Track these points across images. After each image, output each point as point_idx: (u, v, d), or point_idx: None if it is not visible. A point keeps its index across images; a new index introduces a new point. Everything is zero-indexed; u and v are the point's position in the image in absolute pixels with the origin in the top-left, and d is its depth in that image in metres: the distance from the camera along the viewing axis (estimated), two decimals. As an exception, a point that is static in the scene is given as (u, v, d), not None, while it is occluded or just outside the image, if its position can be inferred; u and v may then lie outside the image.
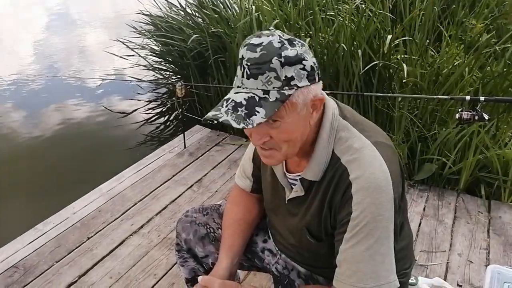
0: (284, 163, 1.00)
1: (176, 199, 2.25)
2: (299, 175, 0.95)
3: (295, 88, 0.78)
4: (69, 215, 2.09)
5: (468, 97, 1.98)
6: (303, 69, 0.79)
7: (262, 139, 0.83)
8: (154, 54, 3.87)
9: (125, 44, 3.78)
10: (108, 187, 2.33)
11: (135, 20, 3.90)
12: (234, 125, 0.75)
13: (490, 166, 2.30)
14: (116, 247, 1.89)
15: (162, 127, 3.75)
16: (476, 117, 1.89)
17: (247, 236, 1.15)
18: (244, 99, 0.77)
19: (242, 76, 0.79)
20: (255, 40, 0.78)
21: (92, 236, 1.95)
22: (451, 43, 3.24)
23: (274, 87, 0.77)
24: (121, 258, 1.83)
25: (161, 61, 3.94)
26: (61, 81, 4.66)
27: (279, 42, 0.77)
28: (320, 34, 2.76)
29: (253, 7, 2.90)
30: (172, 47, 3.54)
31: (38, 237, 1.93)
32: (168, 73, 4.00)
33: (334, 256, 0.91)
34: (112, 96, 4.30)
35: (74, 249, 1.87)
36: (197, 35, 3.14)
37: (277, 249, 1.17)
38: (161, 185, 2.36)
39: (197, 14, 3.62)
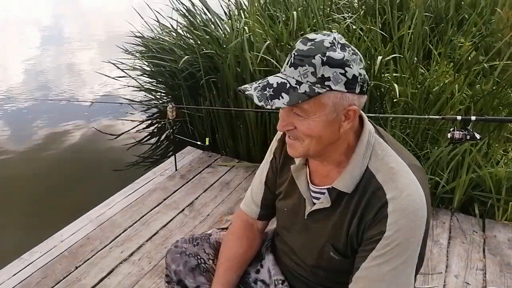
0: (308, 174, 0.99)
1: (167, 224, 2.20)
2: (327, 187, 0.93)
3: (327, 88, 0.80)
4: (57, 243, 2.03)
5: (459, 117, 1.98)
6: (343, 74, 0.80)
7: (286, 126, 0.86)
8: (145, 75, 3.87)
9: (116, 66, 3.77)
10: (97, 213, 2.28)
11: (126, 42, 3.90)
12: (255, 101, 0.80)
13: (483, 185, 2.30)
14: (106, 276, 1.83)
15: (153, 147, 3.71)
16: (468, 137, 1.90)
17: (242, 271, 1.13)
18: (277, 82, 0.82)
19: (287, 64, 0.83)
20: (311, 36, 0.82)
21: (80, 265, 1.89)
22: (441, 61, 3.28)
23: (307, 81, 0.80)
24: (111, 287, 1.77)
25: (152, 81, 3.93)
26: (50, 102, 4.63)
27: (330, 43, 0.81)
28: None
29: (246, 27, 2.92)
30: (164, 68, 3.53)
31: (24, 267, 1.87)
32: (159, 93, 3.99)
33: (352, 273, 0.90)
34: (102, 117, 4.26)
35: (62, 280, 1.81)
36: (188, 56, 3.14)
37: (274, 278, 1.12)
38: (151, 209, 2.32)
39: (188, 35, 3.63)
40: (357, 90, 0.82)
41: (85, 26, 8.54)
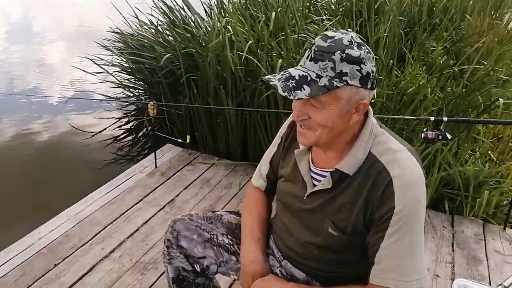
0: (310, 158, 1.06)
1: (148, 220, 2.20)
2: (329, 170, 1.00)
3: (345, 83, 0.88)
4: (34, 241, 2.00)
5: (432, 118, 2.09)
6: (359, 71, 0.88)
7: (302, 116, 0.94)
8: (123, 72, 3.83)
9: (93, 62, 3.71)
10: (76, 210, 2.25)
11: (104, 39, 3.85)
12: (280, 91, 0.87)
13: (453, 183, 2.42)
14: (86, 273, 1.82)
15: (131, 145, 3.68)
16: (440, 137, 2.01)
17: (265, 236, 1.21)
18: (299, 75, 0.89)
19: (307, 58, 0.91)
20: (330, 33, 0.90)
21: (59, 263, 1.87)
22: (414, 64, 3.40)
23: (327, 75, 0.88)
24: (91, 285, 1.76)
25: (130, 78, 3.90)
26: (23, 98, 4.50)
27: (348, 41, 0.88)
28: (291, 55, 2.83)
29: (229, 27, 2.94)
30: (143, 65, 3.51)
31: (1, 265, 1.83)
32: (138, 90, 3.96)
33: (369, 255, 0.98)
34: (78, 114, 4.19)
35: (40, 277, 1.79)
36: (169, 54, 3.13)
37: (279, 255, 1.19)
38: (132, 206, 2.31)
39: (168, 33, 3.62)
40: (369, 85, 0.91)
41: (59, 21, 8.30)
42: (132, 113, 4.15)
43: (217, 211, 1.34)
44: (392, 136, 1.00)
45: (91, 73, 3.88)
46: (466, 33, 4.02)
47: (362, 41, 0.90)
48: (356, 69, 0.88)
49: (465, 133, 2.66)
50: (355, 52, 0.87)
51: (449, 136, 2.01)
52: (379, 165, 0.95)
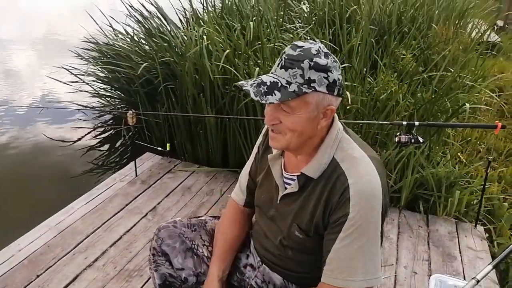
0: (282, 163, 1.11)
1: (130, 229, 2.20)
2: (297, 174, 1.06)
3: (313, 89, 0.93)
4: (14, 252, 1.96)
5: (404, 123, 2.20)
6: (326, 78, 0.94)
7: (273, 121, 0.98)
8: (99, 81, 3.79)
9: (68, 71, 3.66)
10: (56, 220, 2.22)
11: (78, 47, 3.81)
12: (252, 96, 0.92)
13: (426, 184, 2.53)
14: (70, 283, 1.80)
15: (108, 154, 3.64)
16: (413, 140, 2.12)
17: (236, 253, 1.26)
18: (270, 81, 0.94)
19: (277, 66, 0.96)
20: (299, 43, 0.95)
21: (41, 274, 1.84)
22: (386, 71, 3.54)
23: (296, 82, 0.93)
24: (75, 294, 1.75)
25: (107, 87, 3.86)
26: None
27: (316, 50, 0.94)
28: (267, 63, 2.89)
29: (205, 36, 2.97)
30: (119, 74, 3.50)
31: (-20, 278, 1.79)
32: (114, 100, 3.93)
33: (322, 256, 1.02)
34: (53, 124, 4.11)
35: (23, 289, 1.76)
36: (146, 64, 3.14)
37: (257, 260, 1.24)
38: (114, 215, 2.30)
39: (144, 42, 3.63)
40: (335, 92, 0.97)
41: (27, 29, 8.09)
42: (109, 122, 4.11)
43: (202, 216, 1.37)
44: (356, 142, 1.04)
45: (65, 83, 3.83)
46: (433, 41, 4.23)
47: (329, 51, 0.96)
48: (324, 77, 0.93)
49: (436, 136, 2.79)
50: (322, 61, 0.93)
51: (421, 140, 2.13)
52: (339, 170, 0.99)
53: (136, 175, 2.72)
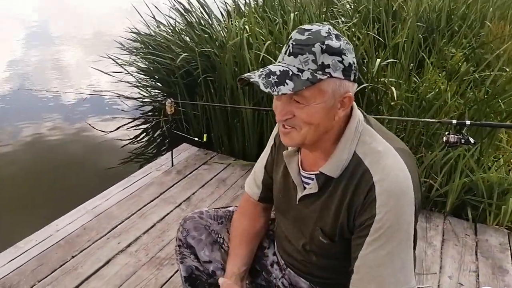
0: (299, 160, 1.01)
1: (164, 217, 2.19)
2: (315, 173, 0.95)
3: (328, 75, 0.83)
4: (52, 232, 1.99)
5: (454, 121, 2.04)
6: (341, 62, 0.84)
7: (286, 115, 0.87)
8: (141, 72, 3.84)
9: (112, 59, 3.73)
10: (93, 204, 2.25)
11: (121, 36, 3.87)
12: (262, 87, 0.80)
13: (476, 189, 2.35)
14: (102, 266, 1.81)
15: (147, 145, 3.69)
16: (463, 141, 1.95)
17: (253, 247, 1.17)
18: (279, 70, 0.83)
19: (285, 53, 0.85)
20: (306, 26, 0.85)
21: (76, 255, 1.86)
22: (433, 70, 3.36)
23: (309, 68, 0.82)
24: (108, 278, 1.75)
25: (147, 78, 3.91)
26: (41, 98, 4.55)
27: (326, 32, 0.84)
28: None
29: (246, 27, 2.93)
30: (160, 65, 3.52)
31: (19, 255, 1.83)
32: (155, 91, 3.97)
33: (351, 262, 0.91)
34: (96, 114, 4.22)
35: (58, 268, 1.78)
36: (186, 54, 3.14)
37: (282, 262, 1.15)
38: (148, 203, 2.30)
39: (185, 34, 3.64)
40: (352, 77, 0.86)
41: (76, 26, 8.36)
42: (149, 113, 4.17)
43: (230, 206, 1.30)
44: (380, 134, 0.93)
45: (107, 73, 3.90)
46: (486, 40, 3.97)
47: (339, 33, 0.86)
48: (338, 61, 0.83)
49: (488, 139, 2.60)
50: (335, 43, 0.83)
51: (472, 140, 1.95)
52: (363, 167, 0.89)
53: (172, 165, 2.72)
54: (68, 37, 7.23)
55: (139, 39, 3.79)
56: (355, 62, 0.86)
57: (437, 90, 2.91)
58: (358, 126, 0.92)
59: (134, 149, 3.54)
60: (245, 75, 0.85)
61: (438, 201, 2.42)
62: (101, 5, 9.97)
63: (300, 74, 0.82)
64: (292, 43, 0.84)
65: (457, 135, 1.96)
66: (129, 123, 3.96)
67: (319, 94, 0.83)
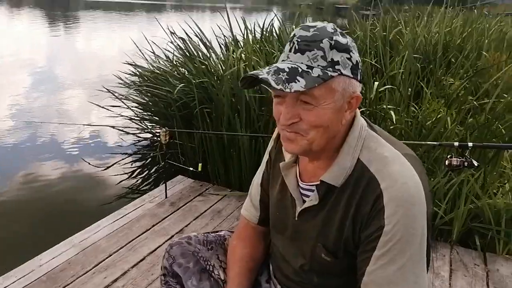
0: (297, 172, 0.93)
1: (155, 250, 2.07)
2: (316, 183, 0.87)
3: (338, 73, 0.77)
4: (35, 267, 1.88)
5: (456, 143, 1.98)
6: (349, 59, 0.79)
7: (291, 119, 0.79)
8: (138, 106, 3.83)
9: (110, 92, 3.73)
10: (81, 238, 2.14)
11: (120, 70, 3.90)
12: (273, 84, 0.73)
13: (482, 216, 2.24)
14: (85, 303, 1.69)
15: (142, 180, 3.61)
16: (466, 164, 1.87)
17: (253, 275, 1.07)
18: (287, 67, 0.76)
19: (289, 51, 0.79)
20: (309, 24, 0.80)
21: (58, 291, 1.74)
22: (432, 100, 3.34)
23: (318, 65, 0.77)
24: (90, 315, 1.62)
25: (144, 113, 3.90)
26: (36, 133, 4.54)
27: (332, 28, 0.80)
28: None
29: (242, 55, 2.95)
30: (157, 97, 3.52)
31: (-3, 292, 1.72)
32: (152, 124, 3.94)
33: (357, 279, 0.82)
34: (92, 149, 4.19)
35: (37, 306, 1.66)
36: (183, 84, 3.14)
37: (279, 287, 1.05)
38: (139, 235, 2.19)
39: (183, 66, 3.66)
40: (359, 77, 0.81)
41: (79, 69, 8.44)
42: (146, 148, 4.13)
43: (221, 231, 1.19)
44: (385, 139, 0.86)
45: (104, 107, 3.90)
46: (483, 69, 3.97)
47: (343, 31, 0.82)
48: (347, 58, 0.78)
49: (491, 165, 2.52)
50: (342, 39, 0.79)
51: (475, 163, 1.88)
52: (368, 174, 0.81)
53: (166, 197, 2.63)
54: (72, 79, 7.31)
55: (137, 72, 3.81)
56: (360, 61, 0.82)
57: (437, 116, 2.86)
58: (362, 132, 0.85)
59: (129, 185, 3.46)
60: (251, 73, 0.77)
61: (443, 229, 2.30)
62: (109, 50, 10.18)
63: (310, 71, 0.76)
64: (297, 40, 0.78)
65: (459, 158, 1.89)
66: (124, 158, 3.91)
67: (329, 93, 0.77)
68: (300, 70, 0.76)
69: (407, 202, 0.76)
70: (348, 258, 0.85)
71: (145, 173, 3.73)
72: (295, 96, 0.78)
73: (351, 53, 0.79)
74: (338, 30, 0.80)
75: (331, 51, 0.77)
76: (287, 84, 0.73)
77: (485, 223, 2.22)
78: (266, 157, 1.08)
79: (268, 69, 0.77)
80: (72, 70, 8.23)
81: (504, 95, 3.22)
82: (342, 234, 0.84)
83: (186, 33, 3.79)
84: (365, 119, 0.89)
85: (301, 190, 0.92)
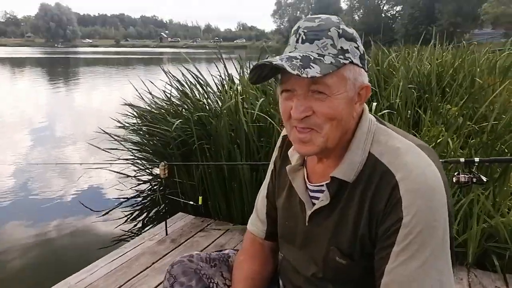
0: (305, 175, 0.89)
1: (156, 287, 1.95)
2: (326, 182, 0.82)
3: (349, 60, 0.75)
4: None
5: (462, 159, 1.93)
6: (357, 48, 0.77)
7: (305, 111, 0.75)
8: (137, 146, 3.80)
9: (109, 134, 3.71)
10: (77, 279, 2.03)
11: (118, 112, 3.90)
12: (289, 69, 0.70)
13: (497, 236, 2.15)
14: None
15: (141, 223, 3.51)
16: (474, 180, 1.82)
17: None
18: (299, 55, 0.74)
19: (296, 42, 0.77)
20: (314, 16, 0.79)
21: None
22: (431, 126, 3.33)
23: (329, 53, 0.75)
24: None
25: (144, 153, 3.86)
26: (35, 178, 4.48)
27: (337, 19, 0.79)
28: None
29: (239, 87, 2.96)
30: (156, 137, 3.50)
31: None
32: (151, 164, 3.90)
33: (375, 279, 0.75)
34: (89, 194, 4.12)
35: None
36: (181, 120, 3.13)
37: None
38: (139, 273, 2.08)
39: (180, 104, 3.67)
40: (366, 67, 0.80)
41: (78, 123, 8.42)
42: (144, 194, 4.05)
43: (225, 250, 1.14)
44: (396, 132, 0.82)
45: (103, 149, 3.86)
46: (478, 95, 4.01)
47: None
48: (355, 47, 0.77)
49: (500, 181, 2.45)
50: (349, 29, 0.78)
51: (484, 179, 1.83)
52: (381, 167, 0.76)
53: (167, 234, 2.53)
54: (71, 133, 7.31)
55: (135, 114, 3.81)
56: (365, 52, 0.81)
57: (437, 142, 2.83)
58: (371, 126, 0.82)
59: (128, 229, 3.35)
60: (265, 60, 0.75)
61: (457, 252, 2.19)
62: (109, 102, 10.26)
63: (322, 58, 0.73)
64: (303, 31, 0.76)
65: (467, 175, 1.84)
66: (124, 201, 3.83)
67: (342, 82, 0.75)
68: (312, 57, 0.73)
69: (426, 192, 0.71)
70: (364, 260, 0.79)
71: (144, 214, 3.63)
72: (307, 87, 0.75)
73: (357, 42, 0.78)
74: (342, 22, 0.79)
75: (339, 39, 0.75)
76: (302, 70, 0.70)
77: (501, 243, 2.13)
78: (270, 167, 1.05)
79: (281, 57, 0.74)
80: (72, 124, 8.25)
81: (503, 116, 3.21)
82: (357, 233, 0.78)
83: (183, 75, 3.84)
84: (374, 115, 0.86)
85: (310, 193, 0.88)
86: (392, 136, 0.80)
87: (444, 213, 0.72)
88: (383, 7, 46.04)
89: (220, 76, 4.07)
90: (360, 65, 0.77)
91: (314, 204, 0.86)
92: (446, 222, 0.72)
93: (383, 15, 45.19)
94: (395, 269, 0.72)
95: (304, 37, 0.76)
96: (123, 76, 18.19)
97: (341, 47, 0.75)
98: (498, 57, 5.78)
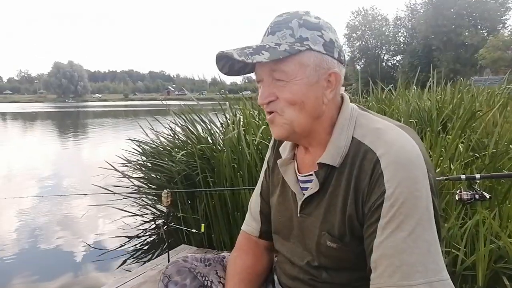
0: (296, 167, 0.92)
1: (156, 313, 1.90)
2: (315, 171, 0.86)
3: (307, 47, 0.79)
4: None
5: (463, 176, 1.94)
6: (321, 36, 0.80)
7: (268, 97, 0.81)
8: (140, 181, 3.82)
9: (113, 168, 3.73)
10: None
11: (124, 149, 3.95)
12: (236, 56, 0.76)
13: (506, 256, 2.10)
14: None
15: (143, 263, 3.45)
16: (477, 196, 1.83)
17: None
18: (255, 45, 0.79)
19: (263, 36, 0.83)
20: (286, 11, 0.85)
21: None
22: (432, 152, 3.35)
23: (286, 42, 0.79)
24: None
25: (147, 189, 3.87)
26: (39, 211, 4.48)
27: (305, 12, 0.83)
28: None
29: (241, 118, 3.04)
30: (160, 173, 3.53)
31: None
32: (154, 199, 3.89)
33: (366, 262, 0.77)
34: (92, 231, 4.09)
35: None
36: (184, 151, 3.18)
37: None
38: (139, 300, 2.03)
39: (184, 143, 3.74)
40: (335, 54, 0.82)
41: (86, 175, 8.19)
42: (147, 234, 4.01)
43: (222, 252, 1.15)
44: (378, 116, 0.86)
45: (107, 189, 3.89)
46: (477, 126, 4.06)
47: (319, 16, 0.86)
48: (317, 35, 0.80)
49: (505, 200, 2.43)
50: (313, 19, 0.81)
51: (487, 195, 1.83)
52: (363, 147, 0.80)
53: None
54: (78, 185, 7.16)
55: (140, 150, 3.88)
56: (338, 41, 0.84)
57: (441, 170, 2.84)
58: (353, 112, 0.86)
59: (130, 268, 3.29)
60: (220, 51, 0.80)
61: (466, 275, 2.14)
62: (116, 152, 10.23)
63: (277, 47, 0.78)
64: (271, 25, 0.82)
65: (470, 192, 1.85)
66: (128, 241, 3.79)
67: (300, 68, 0.79)
68: (267, 46, 0.78)
69: (406, 163, 0.74)
70: (356, 243, 0.80)
71: (147, 247, 3.58)
72: (270, 75, 0.80)
73: (323, 31, 0.81)
74: (313, 14, 0.84)
75: (299, 29, 0.79)
76: (250, 57, 0.76)
77: (510, 263, 2.07)
78: (264, 166, 1.08)
79: (236, 48, 0.80)
80: (80, 177, 8.01)
81: (505, 143, 3.24)
82: (345, 214, 0.80)
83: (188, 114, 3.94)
84: (357, 105, 0.90)
85: (301, 184, 0.91)
86: (373, 120, 0.84)
87: (425, 184, 0.74)
88: (383, 57, 47.53)
89: (224, 115, 4.19)
90: (324, 51, 0.80)
91: (304, 193, 0.88)
92: (429, 193, 0.74)
93: (384, 64, 46.55)
94: (383, 243, 0.73)
95: (269, 30, 0.82)
96: (131, 123, 18.53)
97: (300, 35, 0.79)
98: (497, 92, 5.91)
